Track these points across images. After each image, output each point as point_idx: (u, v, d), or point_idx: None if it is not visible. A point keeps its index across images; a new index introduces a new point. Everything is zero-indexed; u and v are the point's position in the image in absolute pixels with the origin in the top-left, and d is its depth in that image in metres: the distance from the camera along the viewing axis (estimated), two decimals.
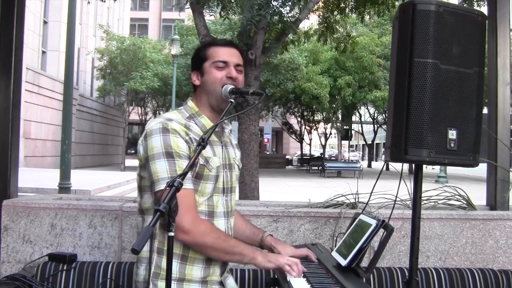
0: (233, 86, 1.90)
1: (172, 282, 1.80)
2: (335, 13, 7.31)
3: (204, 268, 1.88)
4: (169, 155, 1.79)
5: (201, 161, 1.83)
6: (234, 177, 2.03)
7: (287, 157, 40.08)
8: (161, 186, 1.76)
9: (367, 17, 7.78)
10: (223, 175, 1.95)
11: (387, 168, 20.15)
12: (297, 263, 1.88)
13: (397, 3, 6.71)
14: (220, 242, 1.82)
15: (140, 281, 1.86)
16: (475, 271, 2.69)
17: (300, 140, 37.92)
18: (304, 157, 36.36)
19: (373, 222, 1.97)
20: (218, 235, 1.83)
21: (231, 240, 1.89)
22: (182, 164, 1.78)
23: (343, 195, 3.02)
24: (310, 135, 39.02)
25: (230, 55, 1.96)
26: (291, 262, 1.87)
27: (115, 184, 14.09)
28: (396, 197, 2.47)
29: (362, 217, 2.13)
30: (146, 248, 1.84)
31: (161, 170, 1.78)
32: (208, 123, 1.93)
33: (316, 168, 29.23)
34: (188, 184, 1.79)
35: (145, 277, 1.84)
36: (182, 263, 1.84)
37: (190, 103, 1.98)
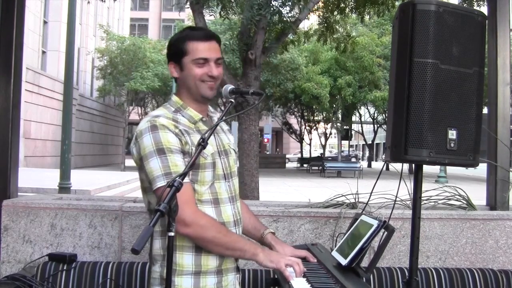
0: (233, 86, 1.90)
1: (188, 276, 1.82)
2: (335, 13, 7.33)
3: (218, 256, 1.87)
4: (161, 151, 1.79)
5: (194, 150, 1.82)
6: (232, 162, 2.02)
7: (287, 156, 40.20)
8: (158, 183, 1.76)
9: (367, 17, 7.81)
10: (220, 161, 1.94)
11: (387, 168, 20.14)
12: (298, 263, 1.88)
13: (397, 3, 6.72)
14: (221, 237, 1.81)
15: (156, 278, 1.85)
16: (475, 271, 2.69)
17: (300, 140, 37.92)
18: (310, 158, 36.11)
19: (375, 223, 1.97)
20: (219, 230, 1.82)
21: (233, 235, 1.88)
22: (174, 159, 1.78)
23: (343, 195, 3.02)
24: (310, 135, 39.01)
25: (210, 50, 1.89)
26: (292, 262, 1.87)
27: (115, 184, 14.10)
28: (396, 197, 2.47)
29: (363, 217, 2.13)
30: (159, 245, 1.84)
31: (155, 168, 1.78)
32: (195, 114, 1.93)
33: (316, 168, 29.23)
34: (184, 178, 1.79)
35: (161, 274, 1.83)
36: (197, 254, 1.84)
37: (174, 97, 1.97)
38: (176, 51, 1.92)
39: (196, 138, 1.82)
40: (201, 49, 1.88)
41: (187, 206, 1.75)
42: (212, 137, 1.94)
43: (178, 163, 1.77)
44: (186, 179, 1.80)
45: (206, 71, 1.89)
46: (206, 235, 1.79)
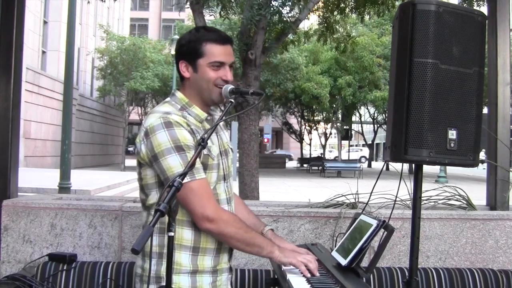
0: (233, 86, 1.89)
1: (185, 275, 1.83)
2: (335, 13, 7.32)
3: (214, 257, 1.89)
4: (179, 148, 1.78)
5: (205, 151, 1.82)
6: (230, 162, 2.04)
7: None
8: None
9: (367, 17, 7.80)
10: (221, 162, 1.95)
11: (387, 168, 20.12)
12: (313, 260, 1.90)
13: (397, 3, 6.71)
14: (242, 233, 1.84)
15: (151, 276, 1.84)
16: (475, 271, 2.69)
17: (300, 140, 37.91)
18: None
19: (374, 223, 1.96)
20: (240, 226, 1.85)
21: (252, 231, 1.90)
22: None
23: (343, 195, 3.02)
24: (310, 135, 39.00)
25: (226, 54, 1.90)
26: (307, 260, 1.89)
27: (115, 184, 14.10)
28: (396, 197, 2.47)
29: (362, 217, 2.13)
30: (155, 242, 1.84)
31: (175, 164, 1.77)
32: (200, 112, 1.92)
33: (316, 168, 29.22)
34: (202, 174, 1.79)
35: (156, 272, 1.83)
36: (194, 254, 1.85)
37: (179, 94, 1.95)
38: (190, 51, 1.90)
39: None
40: (218, 52, 1.88)
41: (209, 202, 1.78)
42: (215, 137, 1.95)
43: (196, 160, 1.76)
44: (203, 175, 1.81)
45: (221, 75, 1.89)
46: (228, 230, 1.81)
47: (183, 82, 1.97)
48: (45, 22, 22.16)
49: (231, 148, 2.08)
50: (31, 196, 3.21)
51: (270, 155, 39.20)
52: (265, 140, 37.44)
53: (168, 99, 1.97)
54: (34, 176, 13.23)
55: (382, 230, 1.96)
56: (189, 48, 1.91)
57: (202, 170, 1.81)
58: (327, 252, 2.25)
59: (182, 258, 1.83)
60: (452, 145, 1.92)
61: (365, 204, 2.58)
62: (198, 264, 1.85)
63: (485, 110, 2.77)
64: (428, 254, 2.83)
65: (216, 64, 1.88)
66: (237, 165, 6.17)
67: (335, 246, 2.20)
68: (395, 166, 2.27)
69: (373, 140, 37.92)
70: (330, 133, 39.74)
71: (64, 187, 9.02)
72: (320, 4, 7.18)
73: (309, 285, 1.77)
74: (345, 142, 45.58)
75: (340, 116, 31.89)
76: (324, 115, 32.56)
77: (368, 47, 24.13)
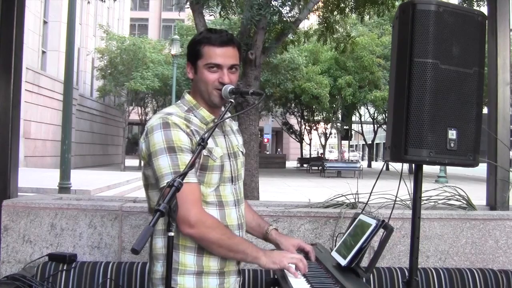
0: (233, 86, 1.89)
1: (191, 276, 1.82)
2: (335, 13, 7.32)
3: (221, 258, 1.87)
4: (171, 149, 1.78)
5: (204, 152, 1.82)
6: (239, 165, 2.03)
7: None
8: (165, 182, 1.74)
9: (367, 17, 7.80)
10: (229, 164, 1.94)
11: (387, 168, 20.13)
12: (301, 260, 1.88)
13: (397, 3, 6.71)
14: (225, 239, 1.81)
15: (158, 278, 1.85)
16: (475, 271, 2.69)
17: (300, 140, 37.92)
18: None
19: (373, 222, 1.97)
20: (223, 232, 1.82)
21: (236, 238, 1.88)
22: (184, 159, 1.77)
23: (343, 195, 3.02)
24: (310, 135, 39.00)
25: (224, 56, 1.88)
26: (296, 260, 1.87)
27: (115, 184, 14.09)
28: (396, 197, 2.47)
29: (362, 217, 2.13)
30: (161, 244, 1.84)
31: (164, 165, 1.77)
32: (207, 114, 1.93)
33: (316, 168, 29.23)
34: (192, 178, 1.78)
35: (163, 274, 1.82)
36: (199, 255, 1.84)
37: (187, 96, 1.97)
38: (192, 52, 1.93)
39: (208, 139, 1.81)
40: (215, 54, 1.87)
41: (193, 206, 1.76)
42: (222, 139, 1.95)
43: (187, 163, 1.75)
44: (195, 180, 1.80)
45: (217, 77, 1.88)
46: (210, 236, 1.79)
47: (191, 84, 2.00)
48: (45, 22, 22.16)
49: (241, 152, 2.07)
50: (31, 196, 3.21)
51: (270, 155, 39.20)
52: (265, 140, 37.45)
53: (178, 101, 1.99)
54: (34, 176, 13.22)
55: (382, 230, 1.96)
56: (191, 50, 1.94)
57: (192, 175, 1.79)
58: (327, 252, 2.25)
59: (187, 258, 1.82)
60: (452, 145, 1.92)
61: (365, 204, 2.58)
62: (203, 265, 1.84)
63: (485, 110, 2.77)
64: (428, 254, 2.83)
65: (211, 65, 1.88)
66: None
67: (335, 246, 2.20)
68: (395, 166, 2.27)
69: (373, 140, 37.92)
70: (330, 133, 39.75)
71: (64, 187, 9.02)
72: (320, 4, 7.18)
73: (309, 285, 1.77)
74: (345, 142, 45.57)
75: (340, 116, 31.89)
76: (324, 115, 32.56)
77: (368, 47, 24.16)
